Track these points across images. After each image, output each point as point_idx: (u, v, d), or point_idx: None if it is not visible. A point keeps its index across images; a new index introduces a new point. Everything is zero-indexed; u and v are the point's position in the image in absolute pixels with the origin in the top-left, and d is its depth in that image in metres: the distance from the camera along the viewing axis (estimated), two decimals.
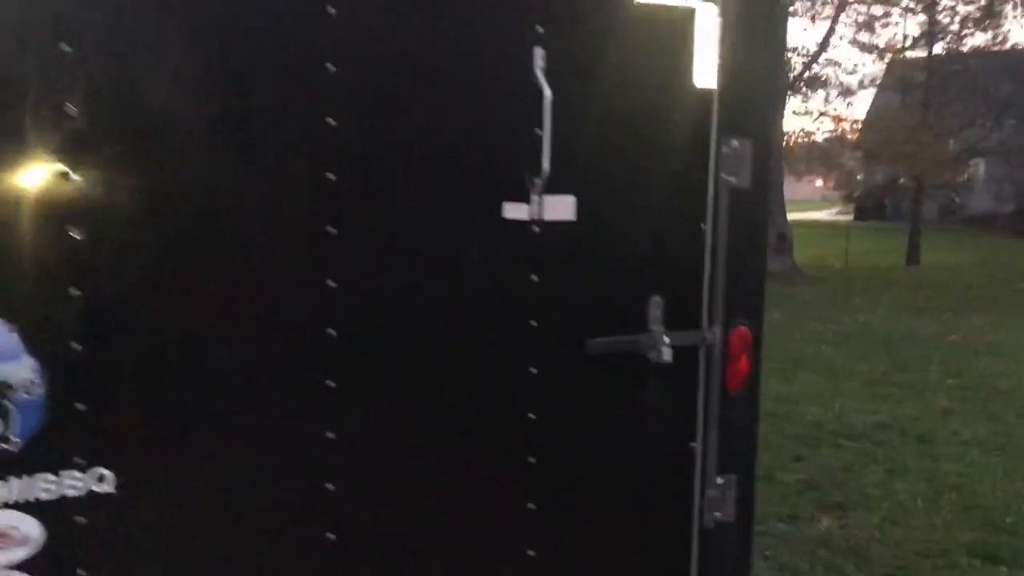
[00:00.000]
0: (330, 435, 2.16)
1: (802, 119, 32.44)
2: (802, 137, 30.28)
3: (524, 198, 2.34)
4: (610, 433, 2.57)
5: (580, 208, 2.42)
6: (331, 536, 2.17)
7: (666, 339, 2.53)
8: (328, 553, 2.17)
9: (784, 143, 23.51)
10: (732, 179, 2.64)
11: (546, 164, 2.30)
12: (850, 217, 45.16)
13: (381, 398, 2.24)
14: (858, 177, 43.19)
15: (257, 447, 2.11)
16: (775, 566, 5.00)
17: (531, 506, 2.45)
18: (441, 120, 2.28)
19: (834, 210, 51.65)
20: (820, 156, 33.41)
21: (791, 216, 24.72)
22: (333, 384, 2.15)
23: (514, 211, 2.34)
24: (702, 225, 2.61)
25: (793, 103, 27.64)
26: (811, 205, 54.42)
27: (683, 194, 2.61)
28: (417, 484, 2.30)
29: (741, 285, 2.71)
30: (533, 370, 2.42)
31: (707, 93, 2.58)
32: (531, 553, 2.45)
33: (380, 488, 2.26)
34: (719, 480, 2.73)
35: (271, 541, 2.14)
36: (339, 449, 2.16)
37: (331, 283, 2.14)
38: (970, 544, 5.26)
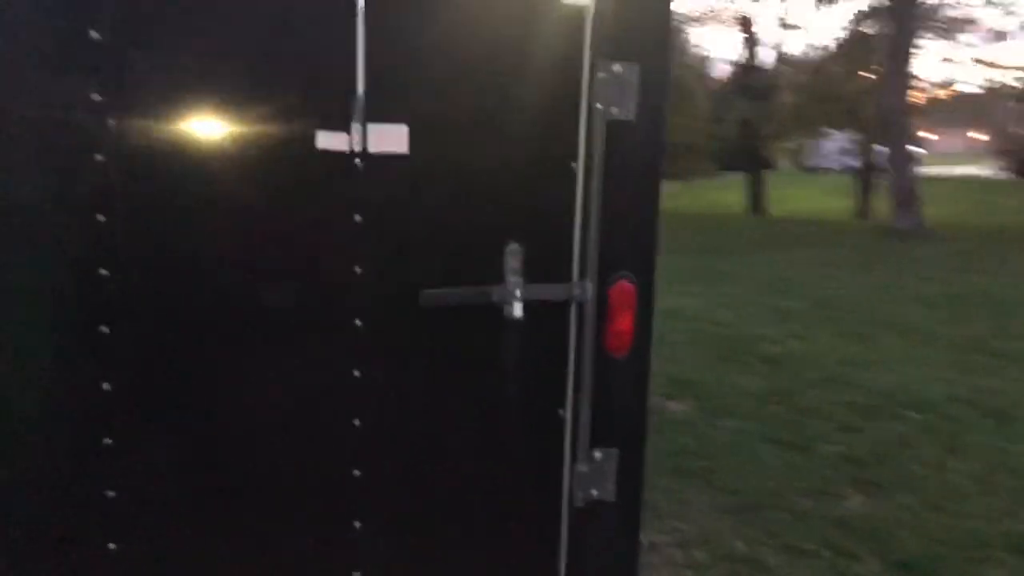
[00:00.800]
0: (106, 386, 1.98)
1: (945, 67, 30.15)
2: (941, 87, 28.15)
3: (343, 127, 2.07)
4: (456, 396, 2.30)
5: (416, 140, 2.13)
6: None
7: (518, 292, 2.22)
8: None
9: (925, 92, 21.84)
10: (613, 110, 2.28)
11: (361, 86, 2.02)
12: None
13: (172, 350, 2.04)
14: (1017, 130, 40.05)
15: None
16: (779, 545, 4.61)
17: (356, 473, 2.21)
18: (240, 33, 2.01)
19: (991, 166, 48.17)
20: (971, 107, 31.04)
21: (937, 170, 23.09)
22: (107, 330, 1.97)
23: (330, 141, 2.07)
24: (572, 164, 2.27)
25: (935, 48, 25.63)
26: (964, 159, 50.93)
27: (548, 127, 2.26)
28: (226, 452, 2.10)
29: (623, 233, 2.36)
30: (357, 322, 2.16)
31: (578, 8, 2.21)
32: (358, 525, 2.22)
33: (160, 461, 2.05)
34: (596, 454, 2.41)
35: None
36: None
37: (100, 217, 1.93)
38: (1016, 537, 4.70)
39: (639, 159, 2.34)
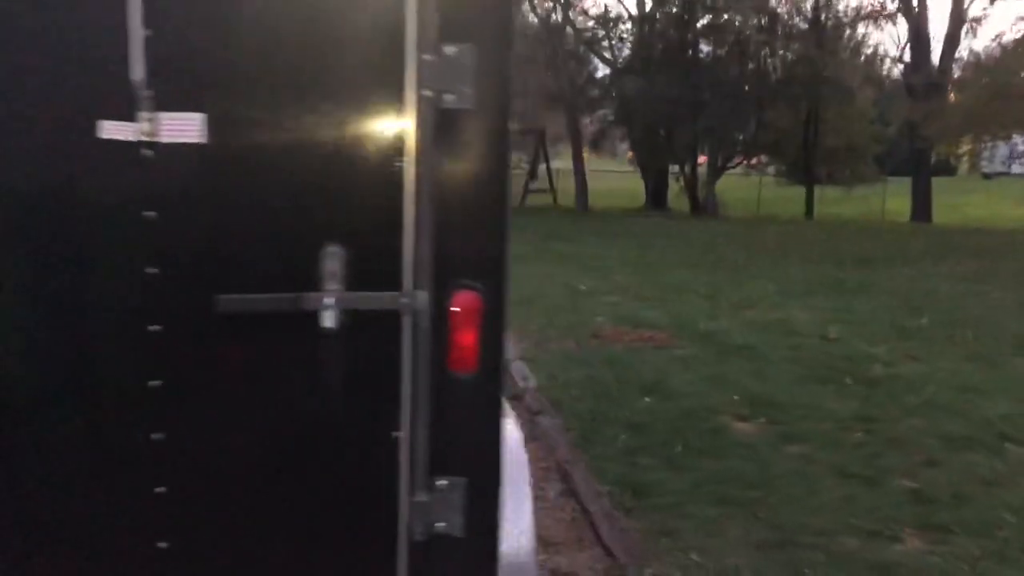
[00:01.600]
0: None
1: None
2: None
3: (129, 115, 1.91)
4: (272, 414, 2.09)
5: (216, 129, 1.94)
6: None
7: (328, 300, 1.99)
8: None
9: None
10: (448, 97, 2.01)
11: (139, 70, 1.86)
12: None
13: None
14: None
15: None
16: None
17: (159, 490, 2.05)
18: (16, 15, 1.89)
19: None
20: None
21: None
22: None
23: (114, 130, 1.91)
24: (400, 158, 2.02)
25: None
26: None
27: (371, 116, 2.02)
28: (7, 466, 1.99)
29: (464, 237, 2.08)
30: (154, 328, 2.00)
31: None
32: (162, 546, 2.05)
33: None
34: (440, 483, 2.14)
35: None
36: None
37: None
38: None
39: (480, 152, 2.06)
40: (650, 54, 32.18)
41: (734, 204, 32.59)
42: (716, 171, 33.07)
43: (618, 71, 33.66)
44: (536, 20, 32.67)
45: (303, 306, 1.99)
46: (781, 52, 32.24)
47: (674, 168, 34.08)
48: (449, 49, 1.98)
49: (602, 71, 35.27)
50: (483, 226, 2.08)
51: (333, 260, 2.01)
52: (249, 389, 2.08)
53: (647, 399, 6.92)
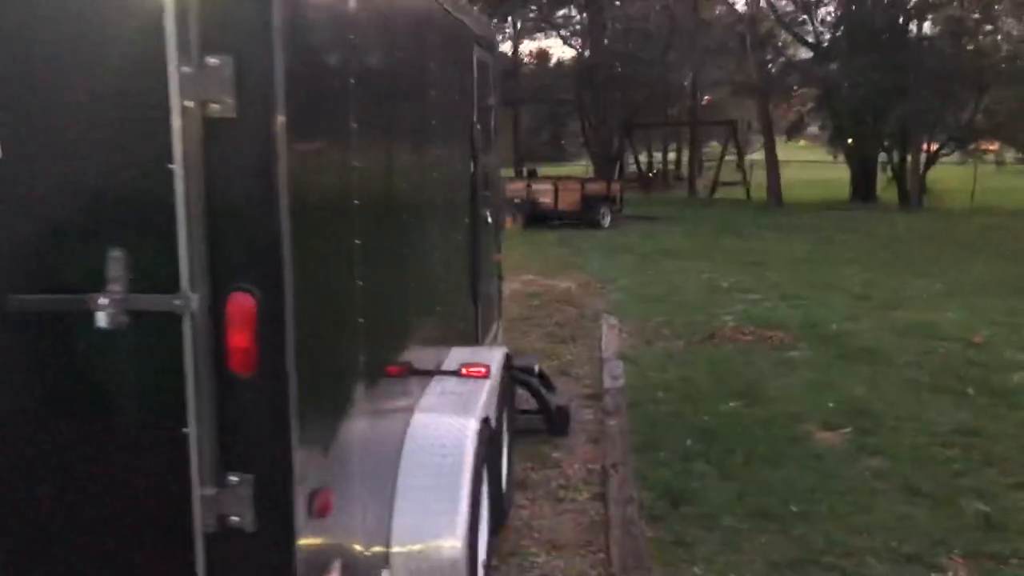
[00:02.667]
0: None
1: None
2: None
3: None
4: (65, 408, 2.24)
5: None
6: None
7: (103, 301, 2.12)
8: None
9: None
10: (214, 107, 2.08)
11: None
12: None
13: None
14: None
15: None
16: None
17: None
18: None
19: None
20: None
21: None
22: None
23: None
24: (170, 165, 2.10)
25: None
26: None
27: (140, 126, 2.12)
28: None
29: (236, 242, 2.14)
30: None
31: None
32: None
33: None
34: (231, 478, 2.22)
35: None
36: None
37: None
38: None
39: (247, 160, 2.11)
40: (856, 35, 30.27)
41: (950, 194, 30.10)
42: (929, 159, 30.68)
43: (822, 54, 31.97)
44: (726, 7, 31.74)
45: (82, 307, 2.13)
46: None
47: (883, 157, 31.92)
48: (211, 61, 2.05)
49: (803, 54, 33.66)
50: (254, 230, 2.13)
51: (115, 264, 2.13)
52: (41, 388, 2.24)
53: (733, 403, 6.64)
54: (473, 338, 5.42)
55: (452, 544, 3.27)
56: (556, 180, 22.26)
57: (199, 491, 2.21)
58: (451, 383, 4.12)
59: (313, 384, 2.33)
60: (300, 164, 2.19)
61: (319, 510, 2.42)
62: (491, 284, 6.29)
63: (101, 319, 2.11)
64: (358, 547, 2.87)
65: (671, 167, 44.15)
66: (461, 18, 4.97)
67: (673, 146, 45.90)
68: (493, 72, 6.41)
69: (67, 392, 2.25)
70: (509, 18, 36.31)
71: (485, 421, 3.93)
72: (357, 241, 2.66)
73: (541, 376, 6.39)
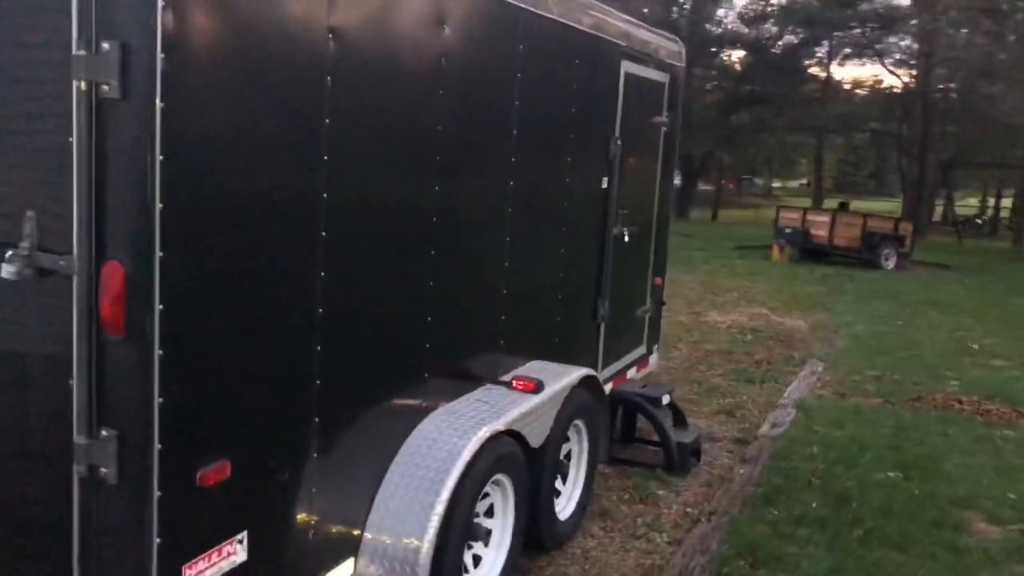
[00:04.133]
0: None
1: None
2: None
3: None
4: None
5: None
6: None
7: (9, 254, 2.38)
8: None
9: None
10: (104, 88, 2.26)
11: None
12: None
13: None
14: None
15: None
16: None
17: None
18: None
19: None
20: None
21: None
22: None
23: None
24: (69, 139, 2.31)
25: None
26: None
27: (42, 103, 2.35)
28: None
29: (114, 215, 2.30)
30: None
31: None
32: None
33: None
34: (103, 432, 2.39)
35: None
36: None
37: None
38: None
39: (128, 139, 2.25)
40: None
41: None
42: None
43: None
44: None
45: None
46: None
47: None
48: (105, 46, 2.24)
49: None
50: (128, 206, 2.28)
51: (29, 223, 2.39)
52: None
53: (892, 473, 5.92)
54: (586, 356, 5.31)
55: (417, 544, 3.26)
56: (835, 212, 20.91)
57: (75, 439, 2.40)
58: (497, 392, 4.10)
59: (195, 356, 2.45)
60: (180, 147, 2.31)
61: (204, 478, 2.54)
62: (632, 306, 6.09)
63: (6, 271, 2.36)
64: (312, 526, 3.01)
65: (1001, 214, 39.75)
66: (596, 33, 4.89)
67: (1009, 192, 41.28)
68: (670, 89, 6.22)
69: None
70: (824, 42, 34.62)
71: (511, 434, 3.86)
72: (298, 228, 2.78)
73: (674, 409, 6.10)
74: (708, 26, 34.28)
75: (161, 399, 2.37)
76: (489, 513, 3.94)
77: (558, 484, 4.65)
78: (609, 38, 5.11)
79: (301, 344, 2.90)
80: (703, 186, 42.27)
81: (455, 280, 3.81)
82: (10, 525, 2.62)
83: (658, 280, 6.61)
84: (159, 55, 2.22)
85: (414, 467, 3.44)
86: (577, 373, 4.54)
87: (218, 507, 2.63)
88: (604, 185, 5.34)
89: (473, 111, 3.80)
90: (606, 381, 5.75)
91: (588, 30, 4.81)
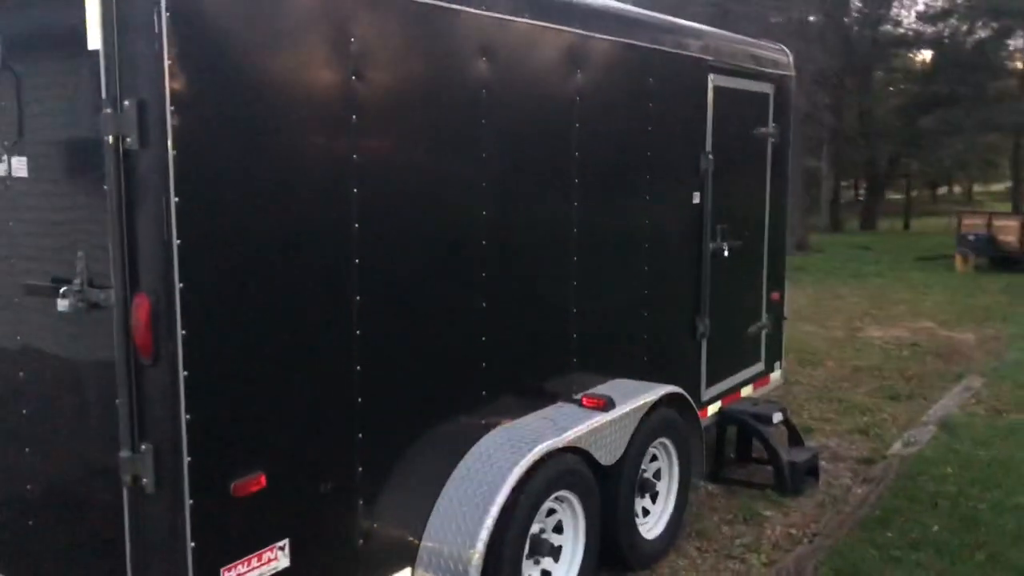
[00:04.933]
0: None
1: None
2: None
3: None
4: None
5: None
6: None
7: (63, 290, 2.72)
8: None
9: None
10: (128, 141, 2.56)
11: None
12: None
13: None
14: None
15: None
16: None
17: None
18: None
19: None
20: None
21: None
22: None
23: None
24: (105, 187, 2.62)
25: None
26: None
27: (84, 156, 2.67)
28: None
29: (141, 252, 2.58)
30: None
31: (96, 55, 2.58)
32: None
33: None
34: (143, 446, 2.68)
35: None
36: None
37: None
38: None
39: (147, 184, 2.53)
40: None
41: None
42: None
43: None
44: None
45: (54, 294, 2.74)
46: None
47: None
48: (126, 103, 2.54)
49: None
50: (151, 240, 2.55)
51: (80, 262, 2.72)
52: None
53: None
54: (685, 374, 5.27)
55: (469, 553, 3.37)
56: None
57: (120, 453, 2.70)
58: (567, 410, 4.17)
59: (221, 377, 2.70)
60: (194, 191, 2.58)
61: (238, 488, 2.79)
62: (742, 322, 5.98)
63: (60, 304, 2.71)
64: (360, 536, 3.24)
65: None
66: (672, 50, 4.90)
67: None
68: (776, 99, 6.09)
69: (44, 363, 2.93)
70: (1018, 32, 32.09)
71: (576, 451, 3.92)
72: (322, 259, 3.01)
73: (789, 427, 5.91)
74: (886, 27, 32.67)
75: (189, 416, 2.63)
76: (559, 529, 4.00)
77: (647, 503, 4.64)
78: (690, 54, 5.09)
79: (336, 365, 3.10)
80: (893, 195, 40.03)
81: (514, 301, 3.93)
82: (74, 534, 2.97)
83: (775, 295, 6.44)
84: (168, 109, 2.50)
85: (469, 481, 3.57)
86: (658, 391, 4.53)
87: (256, 515, 2.87)
88: (696, 200, 5.30)
89: (526, 132, 3.92)
90: (714, 399, 5.68)
91: (662, 48, 4.83)
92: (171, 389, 2.62)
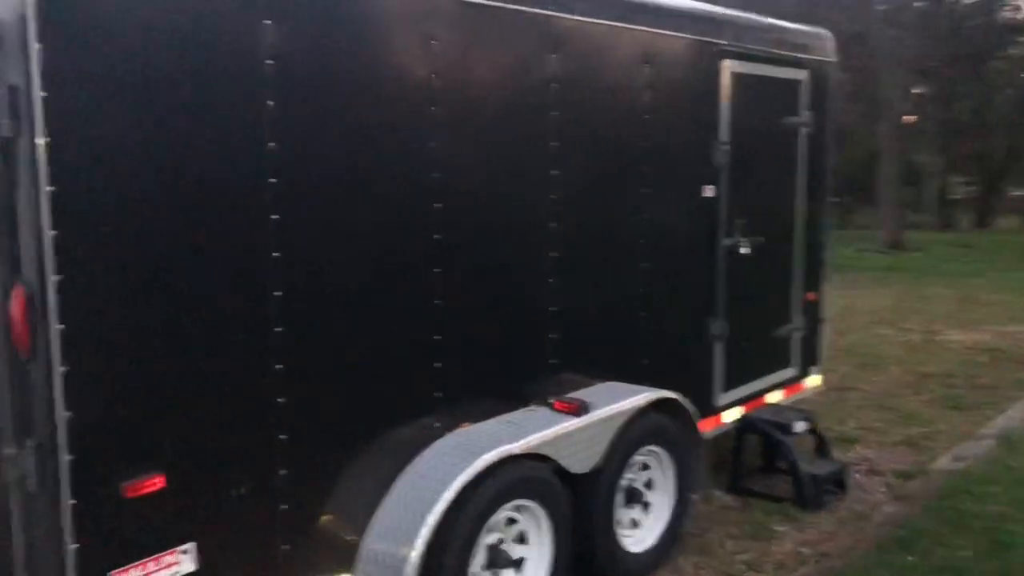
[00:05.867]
0: None
1: None
2: None
3: None
4: None
5: None
6: None
7: None
8: None
9: None
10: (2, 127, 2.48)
11: None
12: None
13: None
14: None
15: None
16: None
17: None
18: None
19: None
20: None
21: None
22: None
23: None
24: None
25: None
26: None
27: None
28: None
29: (17, 242, 2.50)
30: None
31: None
32: None
33: None
34: (28, 442, 2.61)
35: None
36: None
37: None
38: None
39: (21, 173, 2.43)
40: None
41: None
42: None
43: None
44: None
45: None
46: None
47: None
48: (1, 90, 2.47)
49: None
50: (27, 230, 2.47)
51: None
52: None
53: None
54: (695, 378, 4.97)
55: (405, 552, 3.19)
56: None
57: (4, 450, 2.64)
58: (537, 414, 3.95)
59: (106, 372, 2.60)
60: (69, 178, 2.48)
61: (130, 489, 2.69)
62: (767, 323, 5.62)
63: None
64: (281, 540, 3.13)
65: None
66: (670, 32, 4.61)
67: None
68: (811, 86, 5.69)
69: None
70: None
71: (539, 458, 3.70)
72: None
73: (817, 438, 5.52)
74: (1005, 13, 30.82)
75: (69, 413, 2.54)
76: (523, 540, 3.79)
77: (636, 514, 4.38)
78: (697, 37, 4.78)
79: (248, 364, 2.98)
80: (1016, 191, 37.76)
81: (474, 298, 3.74)
82: None
83: (810, 295, 6.03)
84: (39, 94, 2.41)
85: (410, 487, 3.40)
86: (644, 396, 4.25)
87: (152, 518, 2.77)
88: (709, 194, 4.99)
89: (473, 116, 3.71)
90: (732, 405, 5.35)
91: (663, 31, 4.55)
92: (49, 385, 2.53)
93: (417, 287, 3.52)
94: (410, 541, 3.22)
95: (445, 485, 3.33)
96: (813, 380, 6.16)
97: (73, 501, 2.58)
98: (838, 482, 5.36)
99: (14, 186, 2.51)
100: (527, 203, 3.99)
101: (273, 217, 3.00)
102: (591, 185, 4.28)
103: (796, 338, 5.91)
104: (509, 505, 3.63)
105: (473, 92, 3.65)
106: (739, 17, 5.21)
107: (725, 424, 5.30)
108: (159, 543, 2.80)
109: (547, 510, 3.78)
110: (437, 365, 3.62)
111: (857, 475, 5.68)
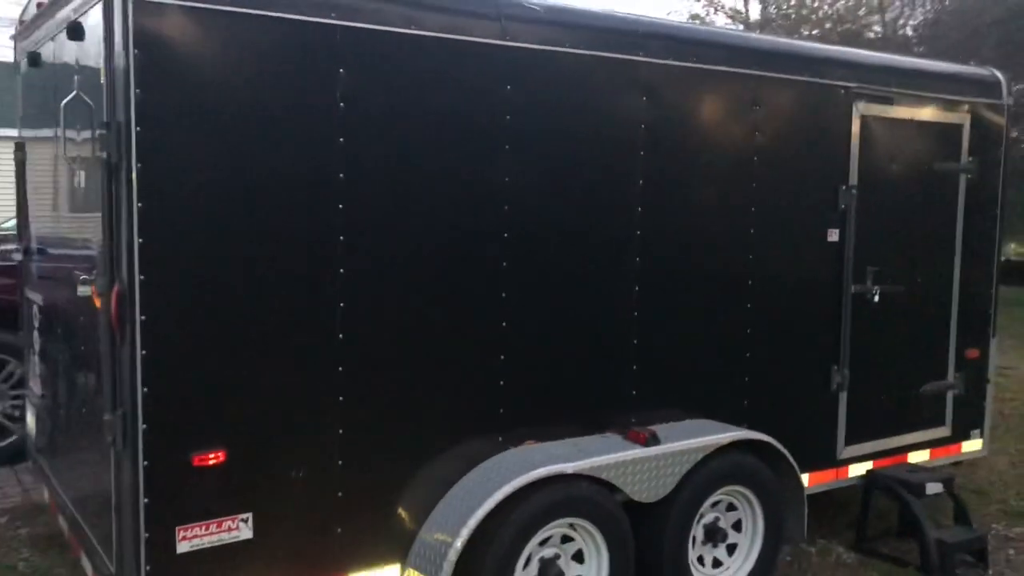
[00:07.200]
0: None
1: None
2: None
3: None
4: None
5: None
6: None
7: (84, 278, 3.33)
8: None
9: None
10: (105, 155, 3.09)
11: None
12: None
13: None
14: None
15: None
16: None
17: None
18: None
19: None
20: None
21: None
22: None
23: None
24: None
25: None
26: None
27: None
28: None
29: (119, 248, 3.08)
30: None
31: None
32: None
33: None
34: (119, 410, 3.14)
35: None
36: None
37: None
38: None
39: (121, 193, 3.03)
40: None
41: None
42: None
43: None
44: None
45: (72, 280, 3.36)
46: None
47: None
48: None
49: None
50: (122, 239, 3.05)
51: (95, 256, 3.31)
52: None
53: None
54: (811, 426, 4.86)
55: (449, 540, 3.49)
56: None
57: (104, 416, 3.24)
58: (607, 439, 4.10)
59: (181, 357, 3.15)
60: (155, 197, 3.06)
61: (197, 459, 3.21)
62: (910, 377, 5.32)
63: (80, 291, 3.33)
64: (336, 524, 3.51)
65: None
66: (796, 77, 4.62)
67: None
68: (973, 130, 5.40)
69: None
70: None
71: (596, 481, 3.83)
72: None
73: (954, 499, 5.15)
74: None
75: (145, 389, 3.10)
76: (581, 559, 3.93)
77: (720, 554, 4.37)
78: (824, 81, 4.75)
79: (313, 367, 3.41)
80: None
81: (547, 326, 3.97)
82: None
83: (971, 352, 5.64)
84: (135, 128, 3.00)
85: (466, 492, 3.68)
86: (726, 435, 4.25)
87: (216, 487, 3.25)
88: (833, 238, 4.89)
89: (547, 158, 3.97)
90: (858, 459, 5.13)
91: (776, 75, 4.58)
92: (131, 366, 3.09)
93: (488, 314, 3.82)
94: (456, 532, 3.51)
95: (491, 492, 3.59)
96: (972, 444, 5.72)
97: (146, 463, 3.12)
98: (980, 554, 4.96)
99: (120, 203, 3.10)
100: (617, 241, 4.16)
101: (340, 238, 3.43)
102: (691, 225, 4.37)
103: (950, 397, 5.54)
104: (562, 521, 3.80)
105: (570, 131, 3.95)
106: (874, 58, 5.09)
107: (849, 478, 5.09)
108: (221, 509, 3.27)
109: (604, 533, 3.89)
110: (502, 383, 3.87)
111: (1011, 551, 5.22)
